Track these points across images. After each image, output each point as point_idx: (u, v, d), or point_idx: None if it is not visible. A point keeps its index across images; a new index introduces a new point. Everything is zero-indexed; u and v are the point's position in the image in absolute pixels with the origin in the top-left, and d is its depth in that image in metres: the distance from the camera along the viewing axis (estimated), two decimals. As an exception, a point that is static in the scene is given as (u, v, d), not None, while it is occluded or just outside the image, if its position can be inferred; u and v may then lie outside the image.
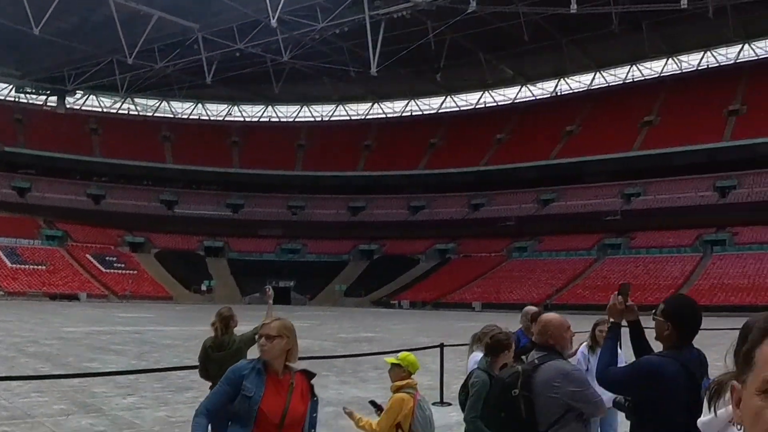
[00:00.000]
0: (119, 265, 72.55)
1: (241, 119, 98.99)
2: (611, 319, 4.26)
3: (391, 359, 5.25)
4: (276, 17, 56.69)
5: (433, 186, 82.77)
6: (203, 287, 71.32)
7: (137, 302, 62.07)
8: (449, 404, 10.57)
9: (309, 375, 4.00)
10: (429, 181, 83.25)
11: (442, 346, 11.37)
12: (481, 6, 57.98)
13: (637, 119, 75.76)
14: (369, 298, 70.19)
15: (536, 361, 4.14)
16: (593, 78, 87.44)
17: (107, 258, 72.65)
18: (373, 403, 6.08)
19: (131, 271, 71.68)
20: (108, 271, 70.52)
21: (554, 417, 3.93)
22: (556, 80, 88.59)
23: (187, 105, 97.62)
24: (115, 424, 9.22)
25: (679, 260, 61.90)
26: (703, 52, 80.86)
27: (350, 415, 5.60)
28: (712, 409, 2.00)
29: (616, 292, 4.03)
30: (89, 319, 36.04)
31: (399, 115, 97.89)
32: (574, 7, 56.32)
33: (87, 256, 72.09)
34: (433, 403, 12.28)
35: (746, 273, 56.14)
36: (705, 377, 4.04)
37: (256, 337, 4.12)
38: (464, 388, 5.56)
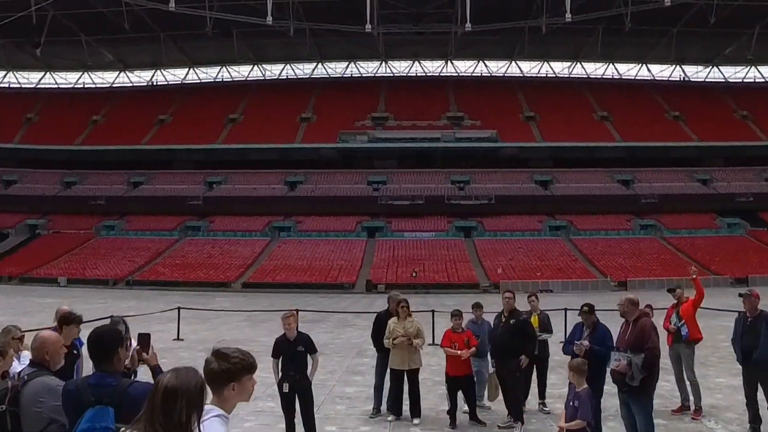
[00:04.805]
0: None
1: None
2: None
3: None
4: None
5: (26, 161, 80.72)
6: None
7: None
8: None
9: None
10: (22, 156, 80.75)
11: None
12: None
13: (224, 115, 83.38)
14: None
15: (25, 377, 4.24)
16: (187, 73, 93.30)
17: None
18: None
19: None
20: None
21: (38, 429, 4.01)
22: (153, 70, 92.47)
23: None
24: None
25: (251, 243, 69.12)
26: (284, 65, 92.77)
27: None
28: None
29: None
30: None
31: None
32: (172, 5, 60.01)
33: None
34: None
35: (305, 256, 64.18)
36: None
37: None
38: None
